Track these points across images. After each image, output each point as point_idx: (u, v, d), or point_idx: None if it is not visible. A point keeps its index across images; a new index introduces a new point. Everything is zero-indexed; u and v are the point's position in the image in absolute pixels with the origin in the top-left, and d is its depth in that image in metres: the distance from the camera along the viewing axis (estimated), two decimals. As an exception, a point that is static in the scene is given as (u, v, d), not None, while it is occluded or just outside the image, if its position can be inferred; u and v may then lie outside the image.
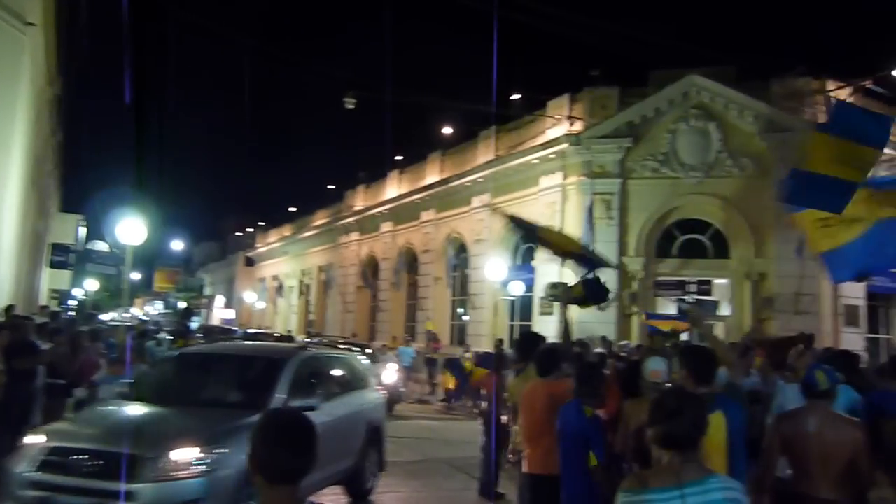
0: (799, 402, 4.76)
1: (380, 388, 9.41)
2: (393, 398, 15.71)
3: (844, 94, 18.07)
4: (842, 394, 4.99)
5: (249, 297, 48.20)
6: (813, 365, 4.42)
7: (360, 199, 33.97)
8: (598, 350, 14.03)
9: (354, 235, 33.61)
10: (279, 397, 6.44)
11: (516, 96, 22.34)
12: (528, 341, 6.37)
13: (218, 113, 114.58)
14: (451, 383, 17.98)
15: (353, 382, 8.37)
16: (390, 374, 16.03)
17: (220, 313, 51.33)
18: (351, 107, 19.19)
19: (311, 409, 6.04)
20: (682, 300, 17.61)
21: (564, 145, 19.45)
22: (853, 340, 17.41)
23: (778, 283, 17.13)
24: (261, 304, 47.17)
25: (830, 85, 18.23)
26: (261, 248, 50.10)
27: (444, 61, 72.49)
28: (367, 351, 18.68)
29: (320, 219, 39.46)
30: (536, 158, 20.59)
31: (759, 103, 17.69)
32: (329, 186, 39.95)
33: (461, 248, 25.20)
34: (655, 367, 4.81)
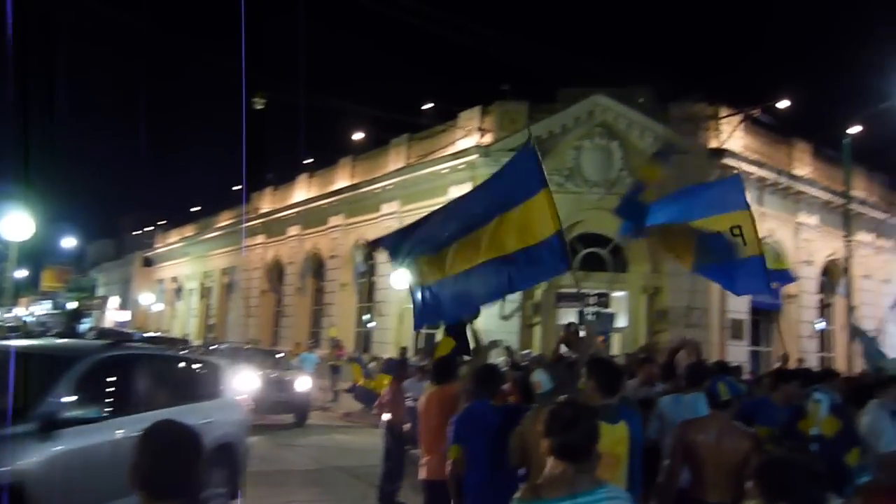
0: (691, 412, 5.05)
1: (241, 397, 8.10)
2: (305, 408, 15.45)
3: (735, 120, 19.25)
4: (699, 401, 5.31)
5: (146, 298, 46.26)
6: (716, 377, 4.65)
7: (267, 202, 33.30)
8: (501, 359, 14.29)
9: (260, 238, 32.89)
10: (53, 404, 5.22)
11: (429, 106, 22.54)
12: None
13: (119, 108, 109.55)
14: (359, 378, 17.76)
15: (194, 391, 7.11)
16: (303, 382, 15.62)
17: (114, 315, 49.05)
18: (260, 107, 18.82)
19: (89, 420, 5.34)
20: (582, 312, 18.18)
21: (474, 156, 19.75)
22: (738, 352, 18.52)
23: (671, 297, 17.98)
24: (158, 307, 45.36)
25: (723, 112, 19.35)
26: (160, 248, 48.19)
27: (358, 68, 72.18)
28: (279, 356, 18.34)
29: (225, 220, 38.40)
30: (446, 168, 20.81)
31: (658, 125, 18.54)
32: (235, 187, 39.01)
33: (369, 255, 25.11)
34: (537, 379, 4.95)
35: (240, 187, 37.98)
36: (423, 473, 5.39)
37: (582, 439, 2.63)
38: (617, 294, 19.13)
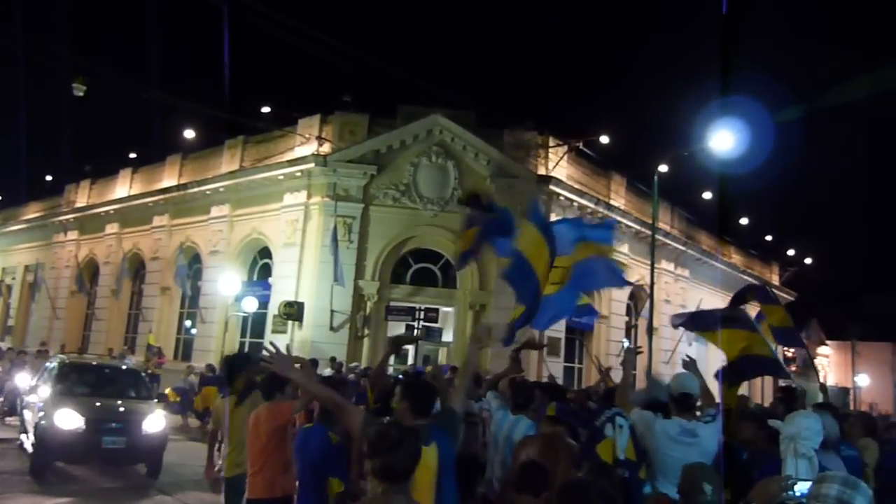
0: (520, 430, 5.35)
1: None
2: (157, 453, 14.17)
3: (561, 151, 20.57)
4: (520, 422, 5.66)
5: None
6: (546, 399, 4.92)
7: (83, 195, 30.78)
8: (328, 371, 14.22)
9: (73, 234, 30.34)
10: None
11: (267, 109, 22.03)
12: (236, 363, 6.30)
13: None
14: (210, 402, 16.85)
15: None
16: (155, 420, 14.17)
17: None
18: (80, 94, 17.46)
19: None
20: (412, 325, 18.51)
21: (311, 165, 19.56)
22: (554, 368, 19.68)
23: (495, 315, 18.75)
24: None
25: (552, 142, 20.62)
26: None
27: (195, 64, 68.94)
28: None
29: (33, 212, 35.04)
30: (282, 175, 20.42)
31: (492, 149, 19.38)
32: (47, 177, 35.74)
33: (195, 259, 23.99)
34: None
35: (51, 178, 35.00)
36: (249, 493, 5.22)
37: (405, 461, 2.64)
38: (445, 309, 19.67)
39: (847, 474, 2.89)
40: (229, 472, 5.58)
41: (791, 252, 37.50)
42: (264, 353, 3.84)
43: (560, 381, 17.33)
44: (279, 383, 5.46)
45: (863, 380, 42.81)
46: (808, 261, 38.16)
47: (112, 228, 27.89)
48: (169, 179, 25.51)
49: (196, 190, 23.47)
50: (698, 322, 7.80)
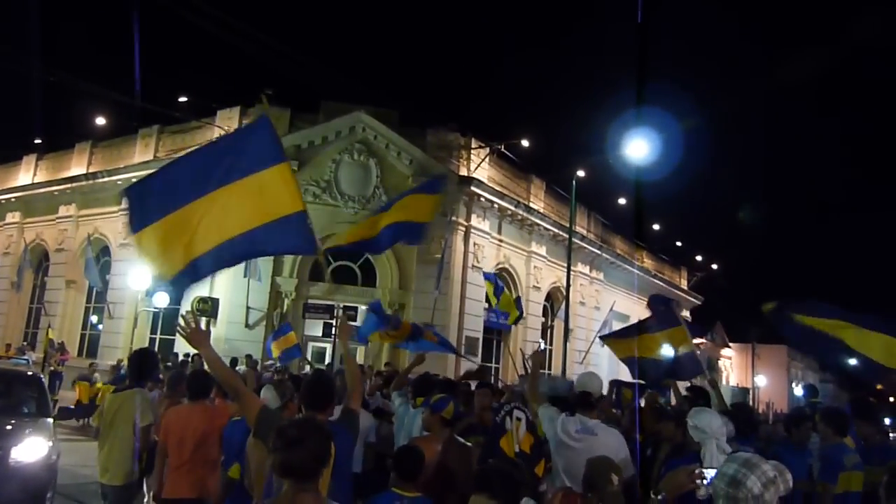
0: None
1: None
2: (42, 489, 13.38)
3: (483, 153, 20.84)
4: (418, 416, 5.75)
5: None
6: (444, 398, 4.98)
7: (-20, 182, 29.03)
8: (242, 369, 13.94)
9: (-32, 223, 28.61)
10: None
11: (184, 99, 21.38)
12: (143, 359, 6.13)
13: None
14: (84, 396, 16.15)
15: None
16: (32, 447, 13.41)
17: None
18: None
19: None
20: (330, 324, 18.35)
21: (230, 158, 19.08)
22: (472, 367, 19.89)
23: (415, 314, 18.84)
24: None
25: (474, 143, 20.86)
26: None
27: (110, 49, 66.10)
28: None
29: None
30: (199, 167, 19.84)
31: (415, 149, 19.45)
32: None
33: (104, 251, 23.03)
34: (264, 396, 5.00)
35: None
36: (166, 491, 5.09)
37: (306, 459, 2.60)
38: (365, 308, 19.57)
39: (750, 455, 3.07)
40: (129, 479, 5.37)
41: (699, 258, 39.21)
42: (180, 322, 3.77)
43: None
44: (206, 383, 5.34)
45: (761, 380, 45.22)
46: (714, 266, 39.97)
47: (13, 217, 26.44)
48: (77, 167, 24.38)
49: (107, 179, 22.53)
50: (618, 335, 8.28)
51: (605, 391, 8.28)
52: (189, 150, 21.50)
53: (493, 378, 21.99)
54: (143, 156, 21.95)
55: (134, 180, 20.78)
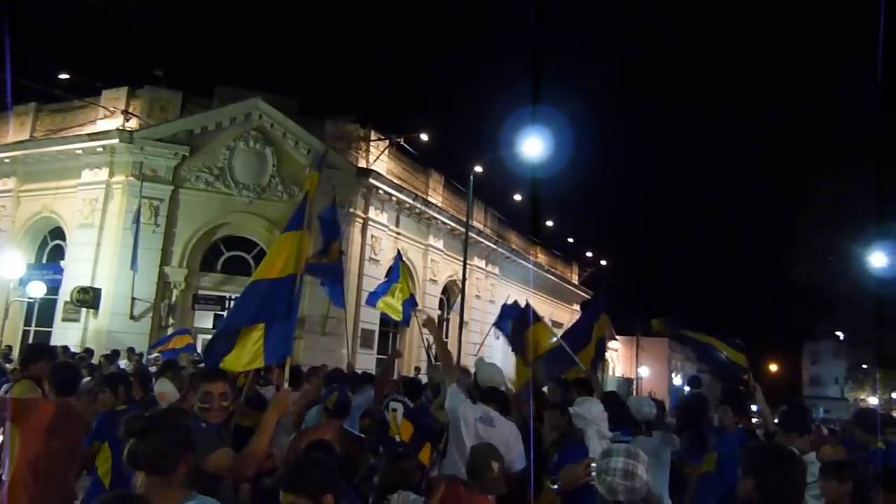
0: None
1: None
2: None
3: (382, 145, 20.78)
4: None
5: None
6: (331, 388, 4.94)
7: None
8: (124, 363, 13.34)
9: None
10: None
11: (66, 76, 20.09)
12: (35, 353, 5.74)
13: None
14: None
15: None
16: None
17: None
18: None
19: None
20: (221, 315, 17.81)
21: (115, 141, 18.15)
22: (367, 360, 19.88)
23: (309, 306, 18.57)
24: None
25: (373, 135, 20.76)
26: None
27: (-22, 13, 61.05)
28: None
29: None
30: (81, 149, 18.75)
31: (313, 139, 19.13)
32: None
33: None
34: (162, 389, 4.81)
35: None
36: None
37: (152, 451, 2.51)
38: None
39: (629, 446, 3.26)
40: None
41: (589, 254, 40.70)
42: None
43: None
44: (72, 378, 4.97)
45: (644, 371, 47.55)
46: (603, 263, 41.61)
47: None
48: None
49: (-26, 159, 20.90)
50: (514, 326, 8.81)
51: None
52: (71, 130, 20.20)
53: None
54: (17, 135, 20.46)
55: (7, 161, 19.42)
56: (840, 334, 40.68)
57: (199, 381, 4.08)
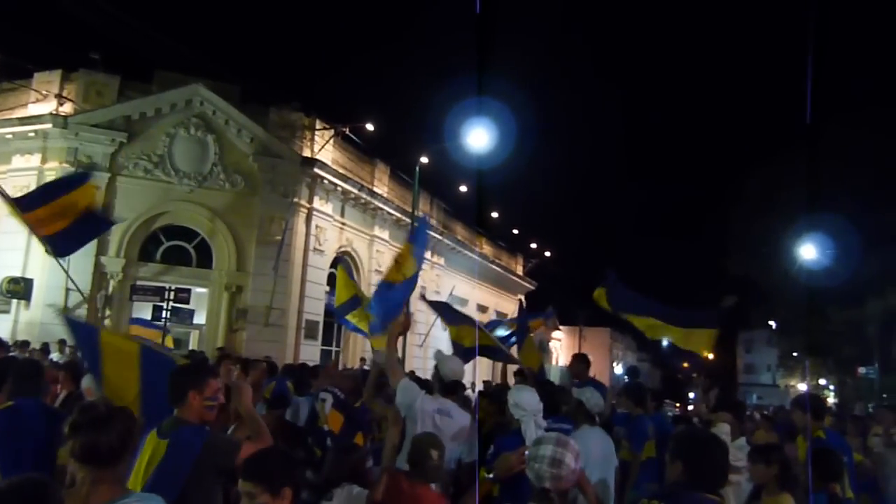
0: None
1: None
2: None
3: (328, 134, 20.58)
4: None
5: None
6: (279, 380, 4.91)
7: None
8: (56, 356, 12.93)
9: None
10: None
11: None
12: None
13: None
14: None
15: None
16: None
17: None
18: None
19: None
20: (161, 307, 17.39)
21: (48, 126, 17.51)
22: (311, 351, 19.74)
23: (253, 297, 18.34)
24: None
25: (318, 124, 20.53)
26: None
27: None
28: None
29: None
30: (11, 133, 18.01)
31: (257, 127, 18.82)
32: None
33: None
34: (89, 385, 4.71)
35: None
36: None
37: (113, 441, 2.41)
38: (199, 290, 18.77)
39: (560, 435, 3.34)
40: None
41: (533, 245, 41.16)
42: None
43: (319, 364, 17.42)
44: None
45: (587, 360, 48.31)
46: (547, 254, 42.16)
47: None
48: None
49: None
50: (448, 314, 9.26)
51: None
52: (0, 114, 19.32)
53: (323, 362, 21.90)
54: (-58, 118, 19.53)
55: (-70, 146, 18.21)
56: (773, 323, 42.13)
57: (205, 378, 3.54)
